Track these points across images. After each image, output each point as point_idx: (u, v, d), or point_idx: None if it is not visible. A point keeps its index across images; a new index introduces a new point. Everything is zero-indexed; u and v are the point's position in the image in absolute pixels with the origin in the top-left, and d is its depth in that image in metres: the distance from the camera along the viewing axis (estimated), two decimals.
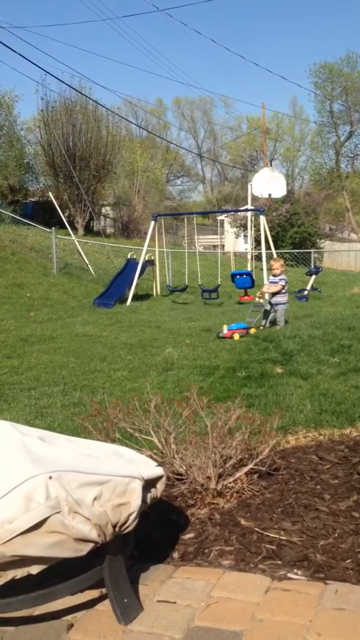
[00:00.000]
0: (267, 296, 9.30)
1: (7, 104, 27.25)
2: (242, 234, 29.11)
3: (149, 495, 2.10)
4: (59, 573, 1.96)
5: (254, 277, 14.36)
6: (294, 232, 26.23)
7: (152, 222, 15.03)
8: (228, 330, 7.83)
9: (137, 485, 1.99)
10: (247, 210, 22.19)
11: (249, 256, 20.02)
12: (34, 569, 1.83)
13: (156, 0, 45.31)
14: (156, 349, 7.05)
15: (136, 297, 13.99)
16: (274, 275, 9.33)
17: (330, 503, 2.70)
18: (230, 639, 1.83)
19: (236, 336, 7.65)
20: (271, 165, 41.48)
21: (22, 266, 14.70)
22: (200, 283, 14.95)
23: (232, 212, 30.09)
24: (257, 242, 17.56)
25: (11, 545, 1.73)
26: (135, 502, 1.96)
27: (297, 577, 2.15)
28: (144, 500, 2.02)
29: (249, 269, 17.02)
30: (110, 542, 1.94)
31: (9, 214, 18.91)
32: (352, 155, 44.19)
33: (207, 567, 2.26)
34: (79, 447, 2.27)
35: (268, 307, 9.15)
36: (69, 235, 18.32)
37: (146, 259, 14.94)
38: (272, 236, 16.96)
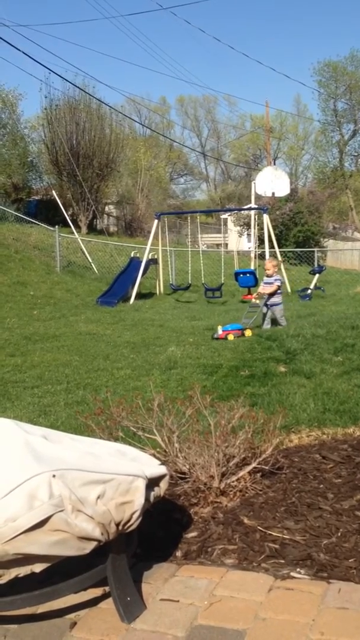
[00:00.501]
0: (264, 297, 9.26)
1: (10, 102, 27.26)
2: (246, 232, 29.08)
3: (152, 494, 2.10)
4: (62, 571, 1.96)
5: (257, 276, 14.34)
6: (297, 230, 26.18)
7: (156, 221, 15.03)
8: (222, 331, 7.74)
9: (141, 484, 1.99)
10: (250, 208, 22.17)
11: (252, 255, 19.99)
12: (37, 567, 1.83)
13: None
14: (159, 347, 7.05)
15: (139, 296, 14.00)
16: (268, 276, 9.30)
17: (334, 502, 2.70)
18: (233, 638, 1.83)
19: (230, 337, 7.60)
20: (275, 164, 41.50)
21: (25, 264, 14.72)
22: (203, 282, 14.94)
23: (236, 211, 30.06)
24: (261, 240, 17.53)
25: (14, 544, 1.73)
26: (138, 500, 1.96)
27: (300, 576, 2.14)
28: (147, 498, 2.02)
29: (252, 267, 17.01)
30: (114, 540, 1.94)
31: (13, 212, 18.96)
32: (356, 153, 44.19)
33: (210, 566, 2.26)
34: (83, 445, 2.27)
35: (265, 310, 9.14)
36: (72, 233, 18.34)
37: (149, 257, 14.94)
38: (276, 235, 16.96)
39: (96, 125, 26.09)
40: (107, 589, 2.05)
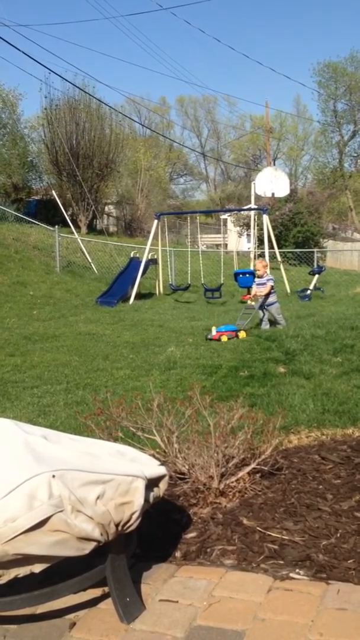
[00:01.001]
0: (260, 299, 9.25)
1: (10, 102, 27.25)
2: (245, 233, 29.09)
3: (151, 494, 2.10)
4: (61, 572, 1.96)
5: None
6: (296, 231, 26.20)
7: (155, 221, 15.02)
8: (217, 332, 7.72)
9: (140, 484, 1.99)
10: (250, 209, 22.16)
11: (251, 255, 20.00)
12: (37, 568, 1.83)
13: None
14: (159, 347, 7.05)
15: (139, 296, 13.99)
16: (259, 277, 9.29)
17: (333, 503, 2.70)
18: (233, 639, 1.83)
19: (224, 338, 7.58)
20: (274, 164, 41.48)
21: (25, 264, 14.72)
22: (203, 282, 14.94)
23: (235, 211, 30.07)
24: (260, 241, 17.54)
25: (14, 544, 1.73)
26: (137, 501, 1.97)
27: (300, 577, 2.15)
28: (146, 499, 2.02)
29: (251, 268, 16.99)
30: (113, 541, 1.94)
31: (13, 212, 18.95)
32: (355, 154, 44.17)
33: (209, 567, 2.26)
34: (82, 445, 2.28)
35: (261, 314, 9.14)
36: (72, 233, 18.33)
37: (149, 257, 14.94)
38: (275, 235, 16.95)
39: (96, 126, 26.06)
40: (106, 589, 2.05)
